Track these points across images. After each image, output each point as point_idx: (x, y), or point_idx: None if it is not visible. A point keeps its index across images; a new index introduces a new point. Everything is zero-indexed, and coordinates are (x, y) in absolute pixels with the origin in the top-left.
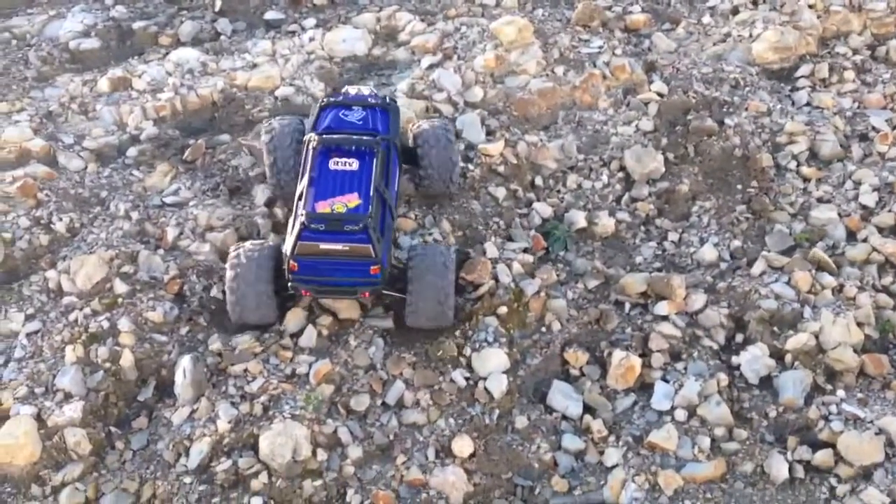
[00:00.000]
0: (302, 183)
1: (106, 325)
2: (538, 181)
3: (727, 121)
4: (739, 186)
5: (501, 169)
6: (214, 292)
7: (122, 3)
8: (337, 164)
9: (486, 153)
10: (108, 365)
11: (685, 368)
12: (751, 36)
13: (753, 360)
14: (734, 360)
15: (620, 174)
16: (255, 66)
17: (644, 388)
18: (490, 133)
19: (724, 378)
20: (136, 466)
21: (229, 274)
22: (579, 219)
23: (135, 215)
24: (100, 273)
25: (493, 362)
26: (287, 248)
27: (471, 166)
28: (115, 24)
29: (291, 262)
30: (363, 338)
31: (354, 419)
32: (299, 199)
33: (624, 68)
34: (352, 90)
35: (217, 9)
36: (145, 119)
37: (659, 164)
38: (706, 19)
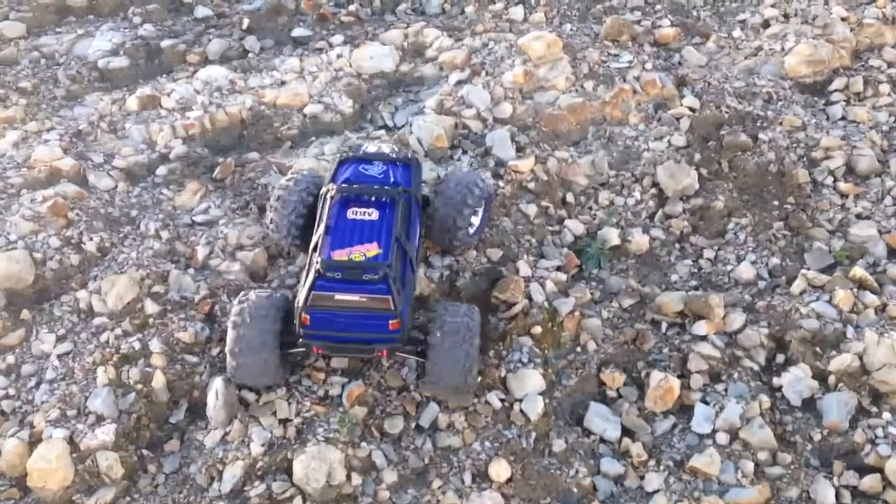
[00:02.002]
0: (318, 232)
1: (137, 346)
2: (569, 198)
3: (761, 136)
4: (776, 203)
5: (532, 186)
6: None
7: (150, 21)
8: (356, 213)
9: (516, 170)
10: (139, 387)
11: (725, 390)
12: (783, 49)
13: (796, 381)
14: (776, 381)
15: (653, 190)
16: (283, 83)
17: (683, 409)
18: (520, 149)
19: (765, 400)
20: (168, 490)
21: (231, 335)
22: (612, 236)
23: (165, 234)
24: (131, 293)
25: (528, 383)
26: (299, 300)
27: (501, 183)
28: (143, 42)
29: (303, 314)
30: (395, 358)
31: (388, 442)
32: (314, 249)
33: (654, 83)
34: (371, 147)
35: (244, 26)
36: (174, 137)
37: (693, 181)
38: (737, 33)
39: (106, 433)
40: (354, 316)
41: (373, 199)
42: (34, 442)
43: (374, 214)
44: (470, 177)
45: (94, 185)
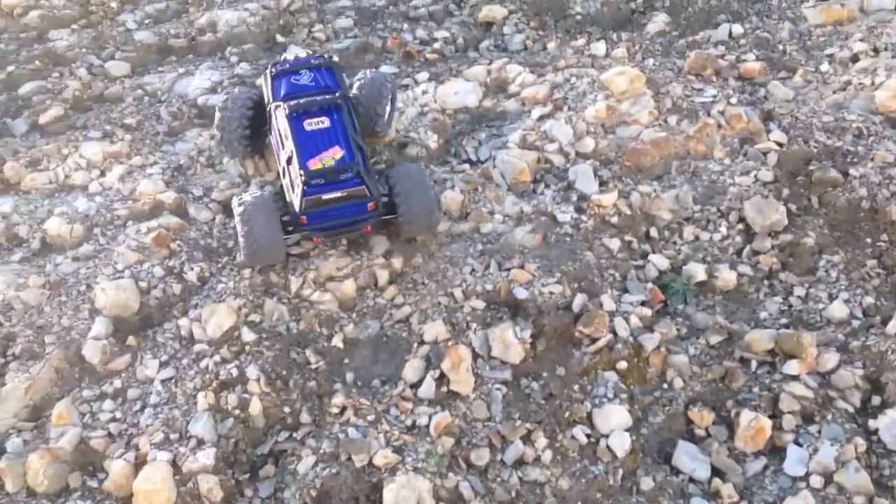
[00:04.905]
0: (286, 148)
1: (235, 372)
2: (653, 232)
3: (852, 171)
4: (868, 240)
5: (615, 220)
6: (335, 341)
7: (245, 60)
8: (311, 124)
9: (599, 204)
10: (237, 412)
11: (819, 432)
12: (873, 84)
13: (893, 424)
14: (871, 423)
15: (740, 226)
16: None
17: (775, 451)
18: (603, 183)
19: (861, 443)
20: None
21: (239, 220)
22: (698, 272)
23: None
24: (229, 321)
25: (614, 419)
26: (294, 205)
27: (584, 217)
28: (239, 80)
29: (301, 217)
30: (481, 390)
31: (475, 473)
32: (288, 163)
33: (740, 117)
34: (290, 56)
35: None
36: (269, 171)
37: (781, 216)
38: (824, 67)
39: (206, 457)
40: (340, 207)
41: (319, 108)
42: (139, 464)
43: (326, 122)
44: (378, 78)
45: (194, 217)
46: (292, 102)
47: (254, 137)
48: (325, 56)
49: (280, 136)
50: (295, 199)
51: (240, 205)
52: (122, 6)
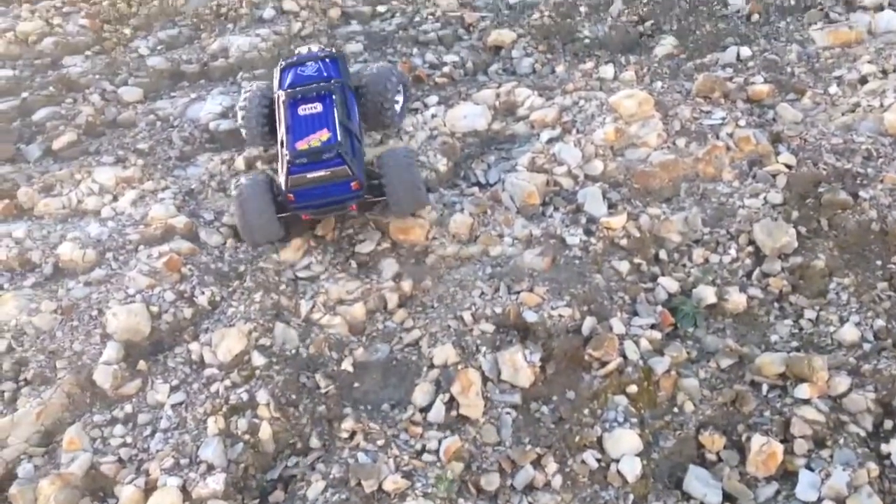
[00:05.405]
0: (280, 131)
1: (245, 397)
2: (662, 255)
3: (862, 193)
4: (879, 262)
5: (624, 242)
6: (345, 365)
7: None
8: (305, 109)
9: (608, 226)
10: (247, 437)
11: (831, 456)
12: (882, 106)
13: None
14: (884, 448)
15: (750, 248)
16: (381, 142)
17: (787, 476)
18: (612, 206)
19: (873, 467)
20: None
21: (235, 203)
22: (708, 294)
23: (270, 289)
24: (239, 345)
25: (625, 444)
26: (282, 184)
27: (593, 240)
28: None
29: (288, 194)
30: (491, 414)
31: (485, 499)
32: (281, 145)
33: (748, 139)
34: (303, 50)
35: None
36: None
37: (791, 239)
38: (833, 89)
39: (216, 482)
40: (325, 186)
41: (314, 94)
42: (149, 489)
43: (318, 107)
44: (386, 68)
45: (204, 241)
46: (290, 90)
47: (274, 130)
48: (332, 48)
49: (279, 121)
50: (282, 178)
51: (236, 187)
52: (136, 32)
